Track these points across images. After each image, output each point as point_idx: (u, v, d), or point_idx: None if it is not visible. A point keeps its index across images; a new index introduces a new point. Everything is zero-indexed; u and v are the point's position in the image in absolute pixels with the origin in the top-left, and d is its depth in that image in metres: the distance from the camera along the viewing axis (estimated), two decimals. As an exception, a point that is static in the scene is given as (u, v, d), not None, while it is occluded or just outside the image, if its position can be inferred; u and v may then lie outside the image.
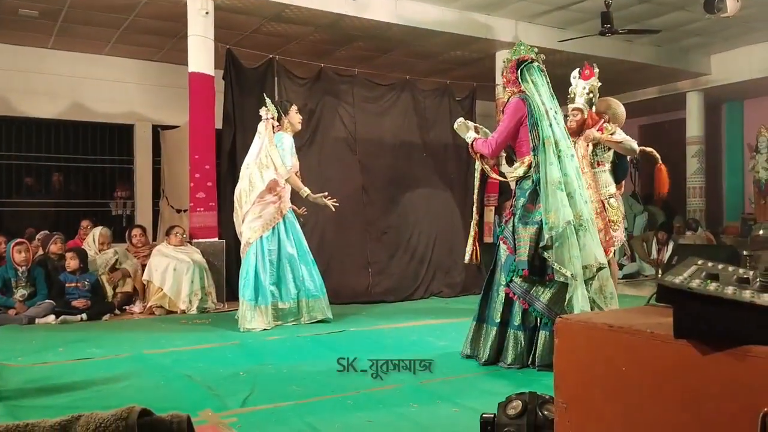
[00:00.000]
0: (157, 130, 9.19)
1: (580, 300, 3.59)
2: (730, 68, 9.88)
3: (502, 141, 3.94)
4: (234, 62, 6.96)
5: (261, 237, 5.29)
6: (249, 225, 5.32)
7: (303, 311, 5.38)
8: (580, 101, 5.01)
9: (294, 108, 5.55)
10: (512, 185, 4.01)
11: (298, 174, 5.56)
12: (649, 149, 4.86)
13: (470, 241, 4.22)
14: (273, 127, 5.39)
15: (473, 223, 4.33)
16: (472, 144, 4.12)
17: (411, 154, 7.74)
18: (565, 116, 4.79)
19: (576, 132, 4.98)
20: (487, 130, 4.32)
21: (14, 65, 8.31)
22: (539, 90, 3.87)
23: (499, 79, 8.37)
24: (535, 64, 3.95)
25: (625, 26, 7.60)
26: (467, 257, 4.20)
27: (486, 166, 4.20)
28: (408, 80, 7.92)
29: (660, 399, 1.38)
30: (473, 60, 8.98)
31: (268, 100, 5.50)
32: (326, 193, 5.53)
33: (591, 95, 5.05)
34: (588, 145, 4.99)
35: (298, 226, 5.53)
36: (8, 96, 8.34)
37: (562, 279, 3.63)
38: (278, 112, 5.43)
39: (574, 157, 3.87)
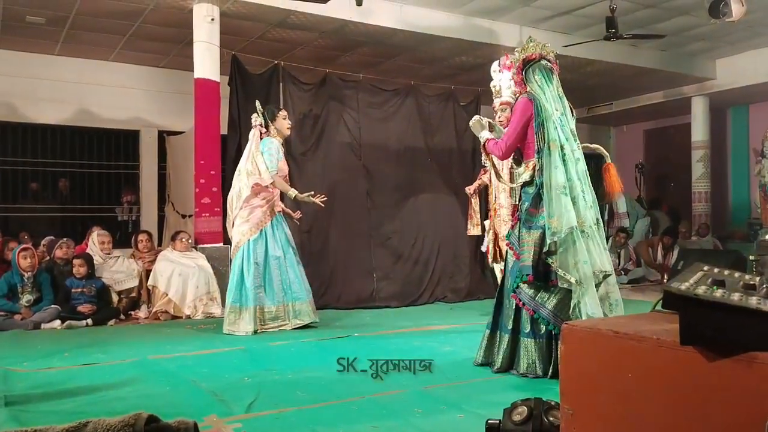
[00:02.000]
0: (163, 136, 9.22)
1: (588, 305, 3.47)
2: (735, 73, 9.86)
3: (512, 143, 3.85)
4: (239, 68, 7.00)
5: (248, 240, 5.33)
6: (237, 229, 5.42)
7: (289, 315, 5.37)
8: (507, 94, 4.80)
9: (282, 114, 5.59)
10: (518, 190, 3.96)
11: (287, 178, 5.62)
12: (594, 146, 4.44)
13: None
14: (261, 133, 5.49)
15: (490, 223, 4.34)
16: (484, 144, 4.10)
17: (415, 160, 7.75)
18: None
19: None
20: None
21: (21, 71, 8.35)
22: (544, 90, 3.77)
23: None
24: (542, 62, 3.83)
25: (630, 31, 7.59)
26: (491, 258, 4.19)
27: (497, 168, 4.17)
28: (412, 85, 7.94)
29: (666, 405, 1.37)
30: (478, 65, 8.98)
31: (258, 107, 5.56)
32: (312, 192, 5.55)
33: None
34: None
35: (286, 230, 5.54)
36: (15, 102, 8.39)
37: (566, 285, 3.56)
38: (264, 119, 5.48)
39: (580, 160, 3.75)
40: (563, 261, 3.55)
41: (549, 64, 3.86)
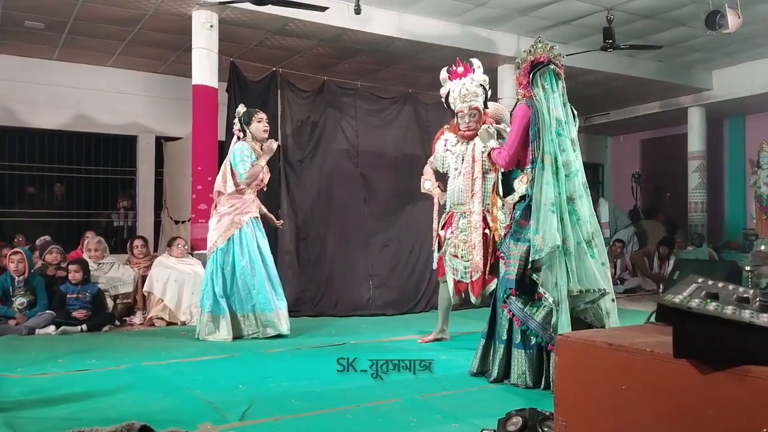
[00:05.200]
0: (160, 142, 9.23)
1: (564, 326, 3.41)
2: (731, 84, 9.91)
3: (514, 153, 3.77)
4: (237, 75, 6.99)
5: (217, 248, 5.30)
6: (209, 236, 5.42)
7: (258, 324, 5.30)
8: (479, 101, 4.74)
9: (258, 117, 5.43)
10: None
11: (262, 180, 5.48)
12: None
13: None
14: (238, 138, 5.41)
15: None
16: (489, 153, 4.06)
17: (412, 167, 7.72)
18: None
19: (474, 136, 4.66)
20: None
21: (19, 76, 8.37)
22: (549, 98, 3.59)
23: (502, 93, 8.41)
24: (551, 67, 3.65)
25: (627, 41, 7.63)
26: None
27: (498, 179, 4.17)
28: (410, 93, 7.95)
29: (659, 418, 1.38)
30: (475, 74, 9.01)
31: (237, 111, 5.48)
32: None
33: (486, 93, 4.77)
34: (483, 151, 4.60)
35: (259, 237, 5.37)
36: (13, 106, 8.39)
37: (546, 303, 3.50)
38: (241, 123, 5.40)
39: (579, 172, 3.62)
40: (545, 279, 3.48)
41: (557, 68, 3.70)
